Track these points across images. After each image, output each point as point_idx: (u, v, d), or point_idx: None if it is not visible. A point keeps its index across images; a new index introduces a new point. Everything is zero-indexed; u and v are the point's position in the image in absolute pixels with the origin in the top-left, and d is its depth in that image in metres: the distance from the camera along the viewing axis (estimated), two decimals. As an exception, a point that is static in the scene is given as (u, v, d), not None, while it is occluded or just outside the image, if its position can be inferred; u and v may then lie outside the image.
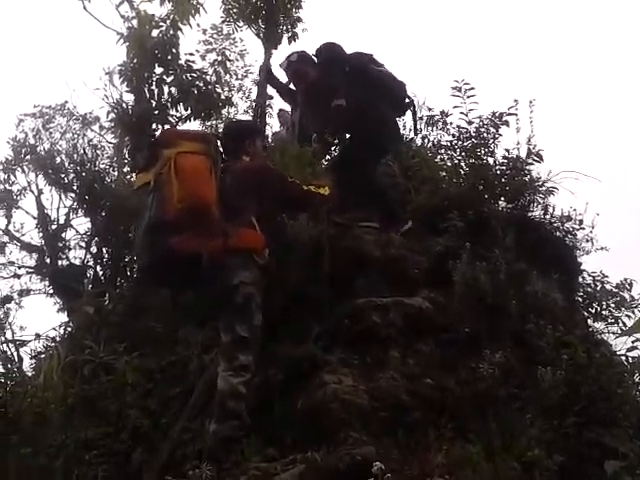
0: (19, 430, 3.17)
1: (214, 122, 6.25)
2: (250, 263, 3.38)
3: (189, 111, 5.67)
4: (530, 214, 4.83)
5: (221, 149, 3.76)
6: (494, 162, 4.94)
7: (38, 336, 6.05)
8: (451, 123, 5.53)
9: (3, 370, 3.94)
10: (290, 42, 6.02)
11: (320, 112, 4.69)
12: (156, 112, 5.67)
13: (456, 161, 5.23)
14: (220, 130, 6.11)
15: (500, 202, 4.87)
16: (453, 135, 5.19)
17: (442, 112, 5.75)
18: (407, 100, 5.07)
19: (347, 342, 3.59)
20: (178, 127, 5.75)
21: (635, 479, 2.89)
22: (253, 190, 3.52)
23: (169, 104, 5.66)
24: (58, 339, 5.48)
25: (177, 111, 5.72)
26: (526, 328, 3.67)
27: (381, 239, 4.29)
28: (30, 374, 4.98)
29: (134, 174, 3.69)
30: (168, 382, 3.98)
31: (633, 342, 3.64)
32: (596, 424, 3.14)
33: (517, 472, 2.85)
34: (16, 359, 6.14)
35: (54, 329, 6.07)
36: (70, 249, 7.34)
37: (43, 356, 4.59)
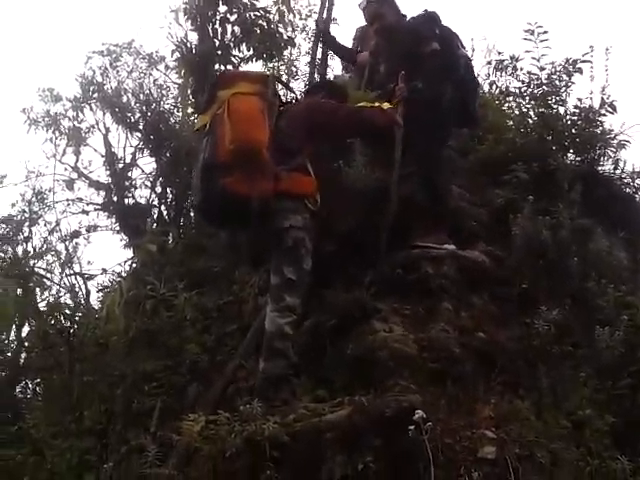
0: (83, 359, 3.36)
1: (275, 63, 6.18)
2: (301, 208, 3.38)
3: (251, 51, 5.62)
4: (599, 168, 4.65)
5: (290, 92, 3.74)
6: (564, 112, 4.74)
7: (105, 271, 6.31)
8: (521, 69, 5.25)
9: (70, 302, 4.14)
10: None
11: (396, 56, 4.43)
12: (219, 52, 5.65)
13: (524, 109, 5.05)
14: (279, 72, 6.07)
15: (568, 154, 4.69)
16: (523, 82, 4.98)
17: (512, 57, 5.47)
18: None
19: (399, 292, 3.58)
20: (240, 68, 5.72)
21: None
22: (305, 129, 3.47)
23: (232, 44, 5.62)
24: (123, 274, 5.71)
25: (240, 51, 5.68)
26: (586, 286, 3.58)
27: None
28: (96, 307, 5.25)
29: (196, 115, 3.72)
30: (224, 320, 4.11)
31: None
32: (651, 387, 3.08)
33: (567, 430, 2.83)
34: (84, 292, 6.46)
35: (119, 265, 6.31)
36: (136, 188, 7.51)
37: (108, 290, 4.80)
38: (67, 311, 3.28)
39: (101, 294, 5.65)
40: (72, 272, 5.95)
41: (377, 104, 3.86)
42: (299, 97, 4.19)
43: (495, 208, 4.15)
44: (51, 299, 4.86)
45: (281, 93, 3.99)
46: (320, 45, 5.32)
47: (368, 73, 4.99)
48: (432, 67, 4.06)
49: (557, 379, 3.09)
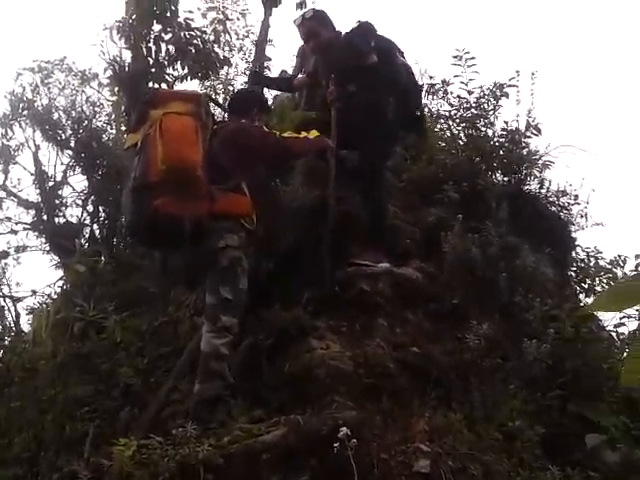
0: (10, 384, 3.21)
1: (212, 82, 6.17)
2: (237, 227, 3.36)
3: (186, 70, 5.59)
4: (526, 188, 4.84)
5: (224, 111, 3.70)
6: (493, 134, 4.95)
7: (34, 292, 6.09)
8: (452, 93, 5.46)
9: (-2, 326, 3.94)
10: (299, 8, 5.79)
11: (335, 72, 4.40)
12: (153, 70, 5.60)
13: (455, 131, 5.22)
14: (215, 91, 6.05)
15: (496, 175, 4.88)
16: (452, 105, 5.16)
17: (443, 81, 5.65)
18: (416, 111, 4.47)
19: (336, 309, 3.61)
20: (175, 87, 5.68)
21: (616, 453, 2.95)
22: (235, 151, 3.46)
23: (166, 62, 5.58)
24: (53, 296, 5.51)
25: (174, 70, 5.65)
26: (514, 301, 3.71)
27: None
28: (26, 330, 5.03)
29: (125, 134, 3.65)
30: (159, 342, 4.03)
31: (621, 318, 3.69)
32: (579, 398, 3.20)
33: (498, 442, 2.90)
34: (13, 315, 6.20)
35: (49, 286, 6.10)
36: (67, 207, 7.31)
37: (36, 312, 4.61)
38: (-7, 335, 3.12)
39: (30, 317, 5.44)
40: (1, 294, 5.68)
41: (303, 134, 3.86)
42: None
43: (427, 226, 4.25)
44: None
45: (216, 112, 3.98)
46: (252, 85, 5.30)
47: (309, 92, 5.05)
48: (372, 81, 4.09)
49: (488, 392, 3.17)
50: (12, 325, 5.94)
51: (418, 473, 2.58)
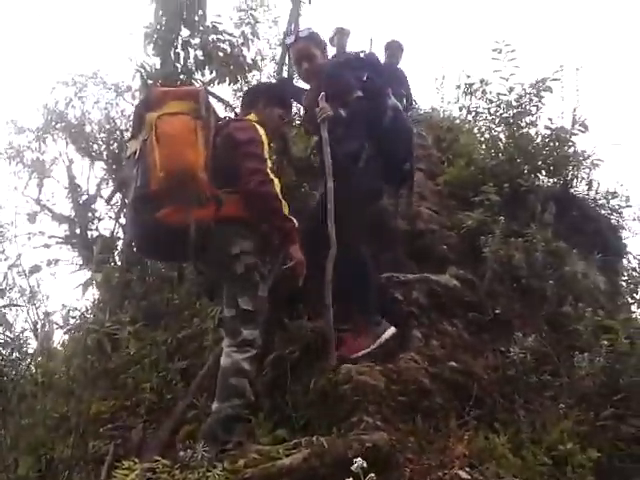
0: (20, 400, 3.04)
1: (240, 86, 6.03)
2: (249, 231, 3.13)
3: (214, 74, 5.44)
4: (572, 189, 4.53)
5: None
6: (535, 133, 4.65)
7: (64, 307, 6.01)
8: (490, 92, 5.17)
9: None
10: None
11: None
12: (181, 76, 5.47)
13: (495, 132, 4.95)
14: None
15: (540, 176, 4.57)
16: (490, 101, 4.87)
17: (481, 80, 5.39)
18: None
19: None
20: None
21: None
22: (235, 149, 3.10)
23: (194, 68, 5.44)
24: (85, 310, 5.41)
25: (202, 75, 5.50)
26: (563, 311, 3.40)
27: (409, 212, 4.00)
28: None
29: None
30: (180, 355, 3.84)
31: (682, 330, 3.32)
32: (636, 417, 2.87)
33: (547, 467, 2.60)
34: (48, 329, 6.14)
35: (77, 300, 6.02)
36: (100, 220, 7.30)
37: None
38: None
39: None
40: (35, 309, 5.58)
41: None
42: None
43: (466, 231, 3.96)
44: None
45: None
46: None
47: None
48: (354, 119, 3.56)
49: (535, 411, 2.87)
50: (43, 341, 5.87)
51: (456, 503, 2.30)
